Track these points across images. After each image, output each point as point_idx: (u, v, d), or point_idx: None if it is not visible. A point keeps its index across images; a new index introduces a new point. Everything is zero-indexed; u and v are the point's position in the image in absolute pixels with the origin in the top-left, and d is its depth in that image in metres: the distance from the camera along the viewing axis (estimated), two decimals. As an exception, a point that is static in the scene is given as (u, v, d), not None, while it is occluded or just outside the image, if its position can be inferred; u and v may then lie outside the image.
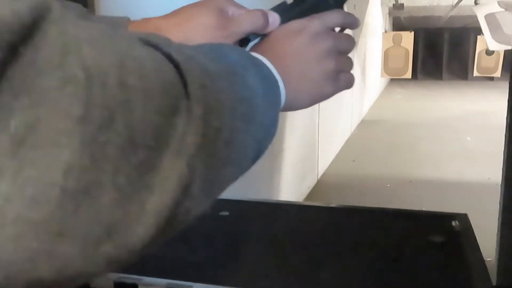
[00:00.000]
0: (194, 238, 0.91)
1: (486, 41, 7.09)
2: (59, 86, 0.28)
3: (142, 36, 0.38)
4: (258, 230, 0.93)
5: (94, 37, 0.31)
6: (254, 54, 0.54)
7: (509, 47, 7.05)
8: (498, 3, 6.69)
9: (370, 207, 1.05)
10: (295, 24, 0.61)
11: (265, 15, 0.65)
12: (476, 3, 7.17)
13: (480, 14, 6.91)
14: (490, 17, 6.70)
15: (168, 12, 0.75)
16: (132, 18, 0.73)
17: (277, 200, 1.07)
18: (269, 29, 0.65)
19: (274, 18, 0.65)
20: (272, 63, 0.53)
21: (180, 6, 0.79)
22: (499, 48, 7.24)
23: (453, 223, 0.96)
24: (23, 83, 0.26)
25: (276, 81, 0.52)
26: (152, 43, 0.37)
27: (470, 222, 0.97)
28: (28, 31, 0.27)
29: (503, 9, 6.61)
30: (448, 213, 1.00)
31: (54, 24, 0.28)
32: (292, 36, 0.60)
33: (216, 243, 0.91)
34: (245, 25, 0.65)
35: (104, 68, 0.30)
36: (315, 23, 0.60)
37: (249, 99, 0.44)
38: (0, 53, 0.26)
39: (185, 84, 0.35)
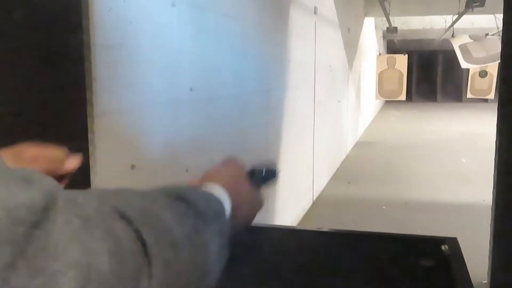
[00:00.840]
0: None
1: (460, 62, 9.32)
2: (64, 271, 0.34)
3: (121, 208, 0.44)
4: (249, 254, 0.94)
5: (92, 222, 0.39)
6: (220, 195, 0.64)
7: (476, 66, 9.50)
8: (469, 36, 9.15)
9: (360, 231, 1.06)
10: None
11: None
12: (453, 36, 9.41)
13: (455, 44, 9.25)
14: (462, 46, 9.17)
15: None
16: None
17: (268, 224, 1.07)
18: (65, 170, 0.66)
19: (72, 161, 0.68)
20: (230, 199, 0.65)
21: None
22: (469, 67, 9.52)
23: (443, 247, 0.96)
24: (37, 265, 0.33)
25: (228, 225, 0.62)
26: (127, 217, 0.43)
27: (459, 246, 0.98)
28: (41, 215, 0.35)
29: (472, 40, 9.08)
30: (438, 237, 1.01)
31: (61, 213, 0.36)
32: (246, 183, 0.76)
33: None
34: (40, 162, 0.64)
35: (100, 256, 0.37)
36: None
37: (206, 264, 0.52)
38: (23, 229, 0.33)
39: (149, 264, 0.42)
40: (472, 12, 7.12)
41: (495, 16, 8.41)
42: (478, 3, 6.26)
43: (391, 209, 5.34)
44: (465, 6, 6.86)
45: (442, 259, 0.92)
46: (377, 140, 10.15)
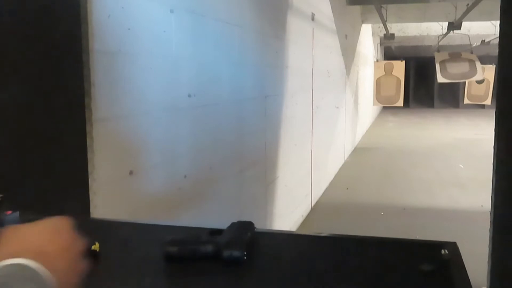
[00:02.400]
0: (191, 271, 0.91)
1: (437, 77, 10.23)
2: None
3: None
4: (246, 259, 0.93)
5: None
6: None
7: (450, 81, 10.33)
8: (448, 53, 10.22)
9: (359, 236, 1.05)
10: None
11: None
12: (438, 51, 10.43)
13: (437, 60, 10.12)
14: (442, 63, 10.11)
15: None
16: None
17: (266, 229, 1.08)
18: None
19: None
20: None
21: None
22: (445, 81, 10.24)
23: (442, 252, 0.96)
24: None
25: None
26: None
27: (459, 251, 0.98)
28: None
29: (450, 57, 10.17)
30: (437, 241, 1.01)
31: None
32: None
33: (210, 269, 0.91)
34: None
35: None
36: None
37: None
38: None
39: None
40: (453, 32, 9.04)
41: (467, 35, 10.08)
42: (456, 27, 8.45)
43: (389, 215, 5.34)
44: (447, 29, 8.85)
45: (442, 264, 0.92)
46: (375, 146, 10.16)
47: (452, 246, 0.99)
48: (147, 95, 2.07)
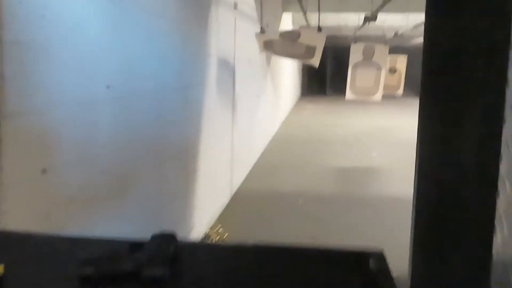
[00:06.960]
0: None
1: (346, 92, 10.01)
2: None
3: None
4: (169, 278, 0.89)
5: None
6: None
7: (354, 97, 10.04)
8: (364, 46, 9.71)
9: (284, 245, 1.03)
10: None
11: None
12: (355, 42, 9.97)
13: (351, 62, 9.77)
14: (353, 70, 9.77)
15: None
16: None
17: (189, 242, 1.03)
18: None
19: None
20: None
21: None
22: (350, 98, 10.04)
23: (370, 262, 0.97)
24: None
25: None
26: None
27: (386, 259, 0.99)
28: None
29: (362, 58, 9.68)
30: (364, 251, 1.01)
31: None
32: None
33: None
34: None
35: None
36: None
37: None
38: None
39: None
40: (368, 24, 8.99)
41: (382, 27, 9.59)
42: (372, 19, 8.44)
43: (307, 203, 5.46)
44: (363, 22, 8.85)
45: (369, 274, 0.92)
46: (294, 134, 10.34)
47: (379, 255, 1.00)
48: (62, 87, 1.94)
